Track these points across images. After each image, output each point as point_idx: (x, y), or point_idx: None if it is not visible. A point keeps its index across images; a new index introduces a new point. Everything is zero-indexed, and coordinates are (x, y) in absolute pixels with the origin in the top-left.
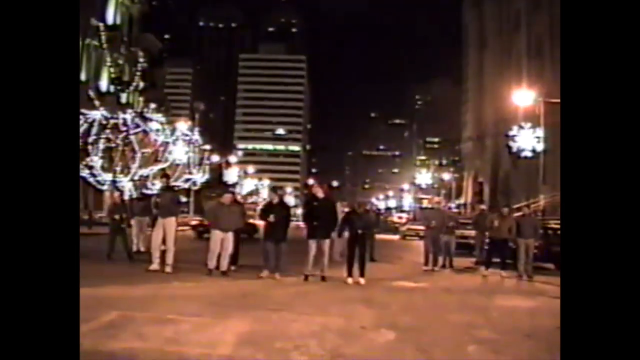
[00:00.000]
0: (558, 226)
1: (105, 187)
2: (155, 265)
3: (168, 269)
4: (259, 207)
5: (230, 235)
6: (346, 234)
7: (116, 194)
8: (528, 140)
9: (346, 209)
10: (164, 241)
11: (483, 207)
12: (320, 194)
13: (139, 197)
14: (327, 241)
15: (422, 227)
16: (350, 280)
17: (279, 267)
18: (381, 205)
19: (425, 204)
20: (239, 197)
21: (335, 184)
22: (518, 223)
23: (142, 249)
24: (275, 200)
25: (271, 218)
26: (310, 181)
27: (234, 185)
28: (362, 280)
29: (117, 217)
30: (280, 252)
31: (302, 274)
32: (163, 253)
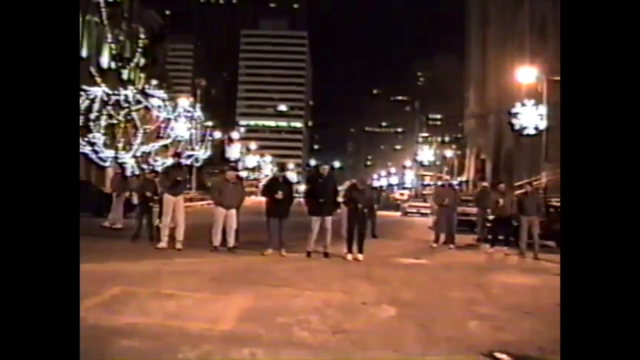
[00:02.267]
0: (559, 204)
1: (107, 164)
2: (163, 243)
3: (179, 245)
4: (262, 184)
5: (233, 212)
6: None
7: (145, 171)
8: (531, 117)
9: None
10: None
11: (485, 184)
12: (325, 171)
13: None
14: (330, 218)
15: (423, 204)
16: (349, 256)
17: (283, 243)
18: (383, 182)
19: (427, 180)
20: (241, 174)
21: (337, 164)
22: (521, 201)
23: (119, 225)
24: (280, 178)
25: (279, 195)
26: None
27: (236, 162)
28: (360, 257)
29: (148, 194)
30: (283, 229)
31: (304, 251)
32: (172, 230)
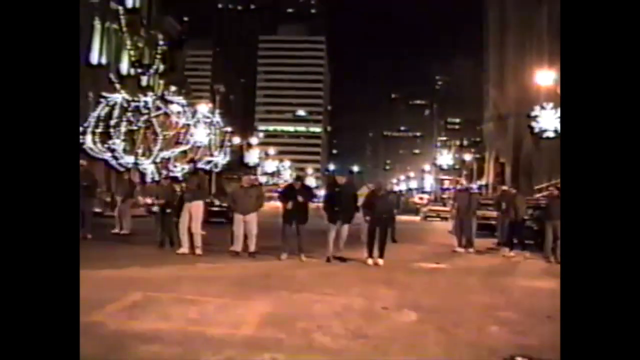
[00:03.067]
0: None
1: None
2: (184, 249)
3: (198, 251)
4: (279, 190)
5: (251, 217)
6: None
7: (164, 179)
8: (550, 120)
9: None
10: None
11: (505, 187)
12: (342, 180)
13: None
14: (347, 226)
15: (442, 208)
16: (370, 261)
17: (303, 248)
18: (402, 186)
19: (446, 184)
20: (260, 178)
21: (356, 168)
22: (546, 205)
23: (126, 231)
24: (298, 185)
25: (289, 205)
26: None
27: (255, 167)
28: (380, 262)
29: (162, 201)
30: (300, 235)
31: (323, 256)
32: (191, 236)
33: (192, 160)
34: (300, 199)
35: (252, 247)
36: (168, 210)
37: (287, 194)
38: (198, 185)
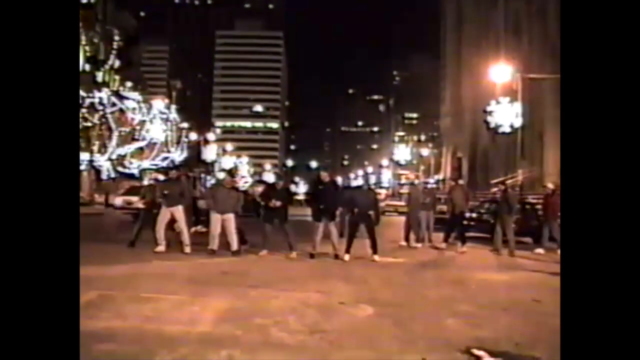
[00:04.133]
0: (535, 201)
1: (82, 167)
2: (161, 247)
3: (187, 250)
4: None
5: (229, 217)
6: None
7: (151, 177)
8: (506, 115)
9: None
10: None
11: (461, 182)
12: (326, 177)
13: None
14: (332, 223)
15: (400, 203)
16: (347, 257)
17: (293, 246)
18: (360, 181)
19: (404, 179)
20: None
21: (314, 164)
22: (496, 199)
23: None
24: (279, 185)
25: (275, 203)
26: (289, 162)
27: (212, 163)
28: (376, 258)
29: (145, 200)
30: (288, 232)
31: (307, 253)
32: (177, 235)
33: (177, 167)
34: (277, 203)
35: (234, 246)
36: (154, 211)
37: (267, 194)
38: (181, 194)
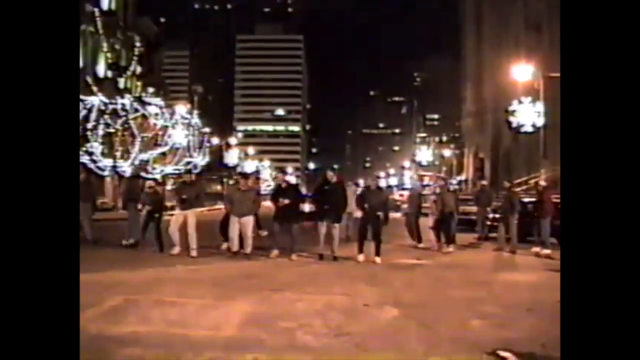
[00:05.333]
0: (558, 201)
1: (106, 173)
2: (177, 249)
3: (193, 253)
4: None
5: (247, 220)
6: (359, 213)
7: (150, 182)
8: (528, 115)
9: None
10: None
11: (484, 182)
12: (333, 178)
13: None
14: (337, 224)
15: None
16: (361, 257)
17: (294, 248)
18: (382, 183)
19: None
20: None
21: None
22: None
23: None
24: (284, 184)
25: (283, 202)
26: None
27: (234, 167)
28: (377, 260)
29: (149, 207)
30: (292, 233)
31: (315, 253)
32: (186, 238)
33: (188, 171)
34: (286, 201)
35: (248, 249)
36: (156, 215)
37: (277, 193)
38: (197, 196)
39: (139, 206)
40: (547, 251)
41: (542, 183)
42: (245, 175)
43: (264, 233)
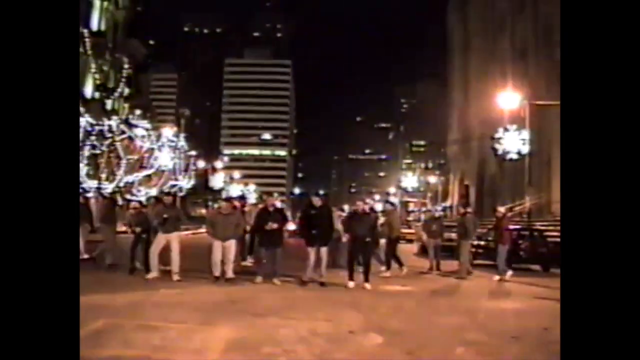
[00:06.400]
0: (544, 227)
1: (90, 194)
2: (154, 273)
3: (175, 277)
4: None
5: (230, 243)
6: (345, 238)
7: (134, 204)
8: (513, 142)
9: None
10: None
11: (468, 209)
12: (318, 202)
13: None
14: (325, 249)
15: (407, 231)
16: (351, 284)
17: (277, 272)
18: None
19: (412, 206)
20: (238, 204)
21: (321, 192)
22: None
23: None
24: (271, 208)
25: (272, 226)
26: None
27: (219, 191)
28: (367, 286)
29: (137, 229)
30: (276, 258)
31: (299, 279)
32: (166, 262)
33: (169, 193)
34: (274, 226)
35: (229, 273)
36: (144, 236)
37: (262, 217)
38: (177, 218)
39: (125, 228)
40: (498, 278)
41: (501, 210)
42: (228, 200)
43: (250, 262)
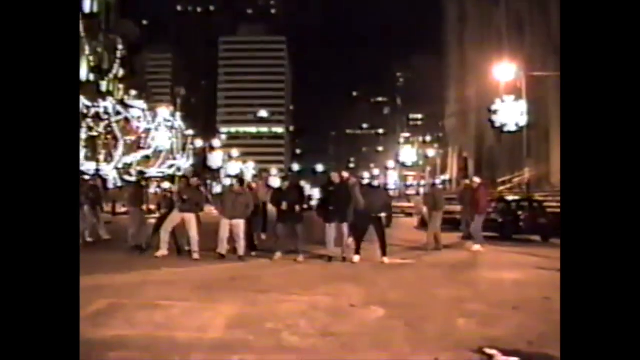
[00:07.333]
0: (543, 199)
1: (89, 177)
2: (164, 251)
3: (195, 256)
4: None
5: (238, 222)
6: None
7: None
8: (511, 114)
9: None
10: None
11: (467, 181)
12: (336, 179)
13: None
14: (345, 224)
15: (407, 204)
16: (356, 258)
17: (298, 249)
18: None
19: (410, 180)
20: (254, 185)
21: (320, 168)
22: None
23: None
24: (285, 186)
25: (283, 206)
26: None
27: (218, 170)
28: (386, 260)
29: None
30: (297, 234)
31: (317, 256)
32: (188, 241)
33: (195, 174)
34: (284, 205)
35: (240, 251)
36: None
37: (278, 195)
38: (197, 203)
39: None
40: (477, 247)
41: (477, 180)
42: (240, 180)
43: (263, 237)
